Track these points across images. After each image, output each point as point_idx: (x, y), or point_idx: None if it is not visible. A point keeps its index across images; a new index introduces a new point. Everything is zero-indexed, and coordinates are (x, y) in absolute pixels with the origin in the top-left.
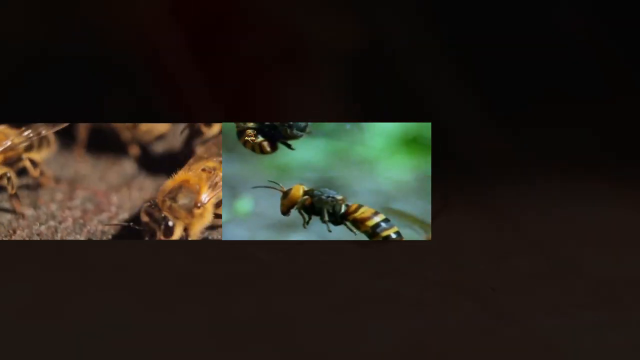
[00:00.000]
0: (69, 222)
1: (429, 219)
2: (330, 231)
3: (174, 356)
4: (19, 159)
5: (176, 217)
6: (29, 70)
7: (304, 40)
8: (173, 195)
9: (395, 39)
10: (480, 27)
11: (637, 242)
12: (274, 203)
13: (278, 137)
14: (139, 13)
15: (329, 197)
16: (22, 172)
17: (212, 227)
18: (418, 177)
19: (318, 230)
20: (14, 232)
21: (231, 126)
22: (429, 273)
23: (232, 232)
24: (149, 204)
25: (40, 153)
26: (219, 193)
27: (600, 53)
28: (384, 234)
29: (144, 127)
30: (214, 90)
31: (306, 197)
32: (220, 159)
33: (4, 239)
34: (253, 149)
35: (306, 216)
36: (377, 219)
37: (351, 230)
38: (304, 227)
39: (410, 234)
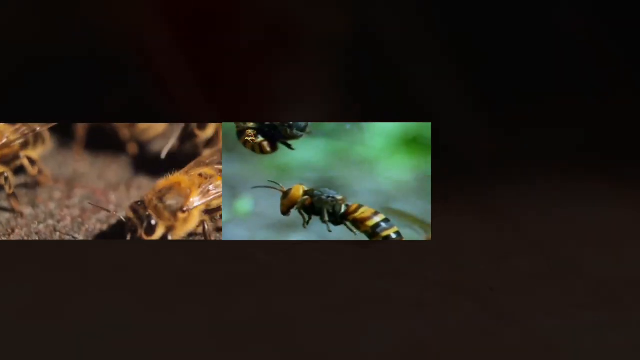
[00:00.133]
0: (68, 220)
1: (429, 219)
2: (330, 231)
3: (174, 356)
4: (16, 157)
5: (159, 217)
6: (27, 70)
7: (304, 40)
8: (162, 195)
9: (395, 40)
10: (481, 27)
11: (637, 242)
12: (274, 203)
13: (278, 137)
14: (138, 13)
15: (329, 197)
16: (19, 171)
17: (195, 234)
18: (418, 177)
19: (318, 230)
20: (13, 231)
21: (231, 126)
22: (429, 273)
23: (232, 232)
24: (136, 200)
25: (37, 150)
26: (210, 201)
27: (600, 53)
28: (384, 234)
29: (142, 126)
30: (213, 91)
31: (306, 197)
32: (220, 167)
33: (3, 238)
34: (253, 149)
35: (306, 216)
36: (377, 219)
37: (351, 230)
38: (304, 227)
39: (410, 234)
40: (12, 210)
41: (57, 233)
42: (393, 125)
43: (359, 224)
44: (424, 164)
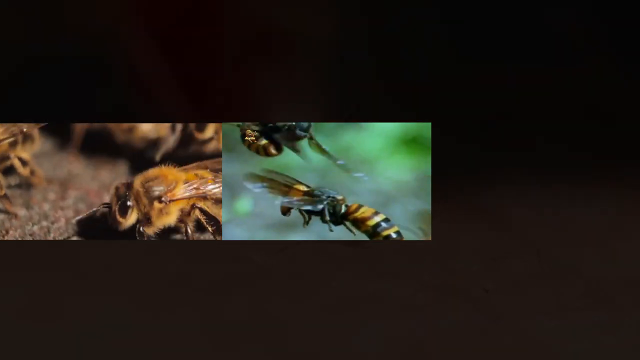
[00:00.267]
0: (62, 222)
1: (428, 219)
2: (331, 230)
3: (173, 356)
4: (6, 157)
5: (136, 201)
6: (25, 70)
7: (305, 40)
8: (147, 181)
9: (395, 39)
10: (481, 27)
11: (637, 242)
12: (274, 203)
13: (283, 139)
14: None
15: (329, 197)
16: (9, 171)
17: (175, 231)
18: (418, 177)
19: (318, 230)
20: (7, 232)
21: (231, 126)
22: (429, 273)
23: (232, 232)
24: (125, 182)
25: (26, 150)
26: (190, 201)
27: (600, 53)
28: (385, 233)
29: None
30: (212, 90)
31: (306, 197)
32: (219, 174)
33: None
34: (257, 152)
35: (306, 216)
36: (377, 218)
37: (351, 230)
38: (304, 227)
39: (410, 234)
40: (6, 212)
41: (51, 234)
42: (393, 125)
43: (359, 223)
44: (424, 164)
